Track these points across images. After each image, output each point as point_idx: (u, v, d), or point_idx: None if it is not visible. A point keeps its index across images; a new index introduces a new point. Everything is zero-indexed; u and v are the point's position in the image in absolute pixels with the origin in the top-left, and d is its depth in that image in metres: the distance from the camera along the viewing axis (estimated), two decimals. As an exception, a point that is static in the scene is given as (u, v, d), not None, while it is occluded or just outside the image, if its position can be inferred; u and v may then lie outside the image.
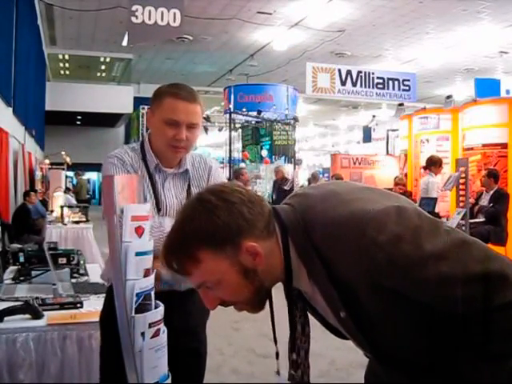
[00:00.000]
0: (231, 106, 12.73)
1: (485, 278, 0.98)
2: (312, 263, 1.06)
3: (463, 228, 5.51)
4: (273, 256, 1.08)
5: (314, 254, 1.05)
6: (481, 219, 6.69)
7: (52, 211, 8.15)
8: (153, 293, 1.20)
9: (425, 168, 7.86)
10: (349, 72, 11.48)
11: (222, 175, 2.03)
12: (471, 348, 1.04)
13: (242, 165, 11.54)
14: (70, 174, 17.42)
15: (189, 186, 1.89)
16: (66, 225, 6.94)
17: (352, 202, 1.06)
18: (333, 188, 1.16)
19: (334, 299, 1.05)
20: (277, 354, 1.21)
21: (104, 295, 2.02)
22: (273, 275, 1.10)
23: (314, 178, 11.31)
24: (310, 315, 1.21)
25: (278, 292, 1.19)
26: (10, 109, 8.16)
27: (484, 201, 6.84)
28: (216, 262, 1.05)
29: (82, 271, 3.30)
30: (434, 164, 7.43)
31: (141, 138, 1.94)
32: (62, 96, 15.37)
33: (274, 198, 10.48)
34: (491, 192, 6.81)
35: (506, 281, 0.98)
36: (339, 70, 11.36)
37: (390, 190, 8.89)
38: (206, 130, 16.39)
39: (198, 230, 1.03)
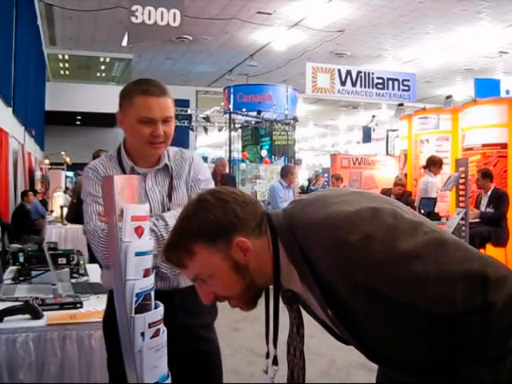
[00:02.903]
0: (231, 106, 12.73)
1: (462, 279, 0.98)
2: (299, 264, 1.10)
3: (463, 228, 5.51)
4: (264, 255, 1.13)
5: (300, 254, 1.10)
6: (476, 212, 6.67)
7: (52, 211, 8.15)
8: (153, 293, 1.20)
9: (425, 167, 7.85)
10: (349, 72, 11.48)
11: (203, 166, 1.99)
12: (459, 349, 1.04)
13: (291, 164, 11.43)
14: (70, 174, 17.40)
15: (171, 179, 1.87)
16: (65, 225, 6.94)
17: (332, 205, 1.11)
18: (323, 193, 1.22)
19: (321, 298, 1.09)
20: (267, 354, 1.24)
21: (104, 295, 2.02)
22: (264, 274, 1.14)
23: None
24: (306, 318, 1.22)
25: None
26: (10, 109, 8.16)
27: (483, 203, 6.81)
28: (209, 255, 1.11)
29: (81, 271, 3.30)
30: (434, 164, 7.43)
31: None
32: (61, 96, 15.36)
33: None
34: (489, 193, 6.79)
35: (486, 282, 0.98)
36: (339, 70, 11.37)
37: (390, 189, 8.92)
38: (205, 130, 16.41)
39: (193, 224, 1.11)
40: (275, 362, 1.21)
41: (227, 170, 9.84)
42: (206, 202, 1.13)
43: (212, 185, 1.99)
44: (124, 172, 1.83)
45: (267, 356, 1.24)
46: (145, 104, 1.75)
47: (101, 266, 2.02)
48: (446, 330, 1.07)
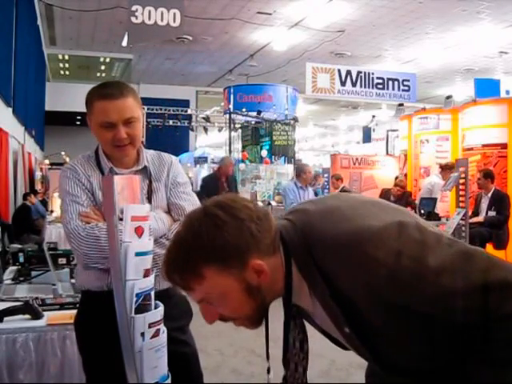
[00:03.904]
0: (231, 106, 12.74)
1: (488, 288, 0.98)
2: (314, 280, 1.05)
3: (463, 228, 5.50)
4: (276, 272, 1.07)
5: (316, 270, 1.04)
6: (480, 219, 6.66)
7: (52, 211, 8.14)
8: (152, 293, 1.20)
9: (442, 168, 7.81)
10: (348, 72, 11.48)
11: (181, 170, 1.97)
12: (477, 357, 1.03)
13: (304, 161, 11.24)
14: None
15: (150, 181, 1.86)
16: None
17: (352, 219, 1.06)
18: (333, 203, 1.16)
19: (338, 316, 1.05)
20: (268, 370, 1.20)
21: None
22: (274, 291, 1.09)
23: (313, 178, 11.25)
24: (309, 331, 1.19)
25: (278, 304, 1.16)
26: (10, 109, 8.15)
27: (484, 204, 6.79)
28: (221, 279, 1.03)
29: (81, 271, 3.30)
30: (450, 168, 7.37)
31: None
32: (61, 96, 15.37)
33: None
34: (489, 194, 6.78)
35: (510, 290, 0.98)
36: (339, 71, 11.37)
37: (390, 190, 8.91)
38: (205, 130, 16.41)
39: (205, 246, 1.01)
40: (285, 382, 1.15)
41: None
42: (218, 218, 1.03)
43: (189, 188, 1.96)
44: (102, 173, 1.81)
45: (268, 371, 1.20)
46: (102, 108, 1.73)
47: None
48: (466, 337, 1.05)
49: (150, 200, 1.83)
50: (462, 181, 5.62)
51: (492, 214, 6.61)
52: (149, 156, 1.91)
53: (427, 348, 1.07)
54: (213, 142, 22.61)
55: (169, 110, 15.02)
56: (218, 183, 7.49)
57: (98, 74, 18.08)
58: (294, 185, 7.01)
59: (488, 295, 0.97)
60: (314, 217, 1.11)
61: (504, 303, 0.97)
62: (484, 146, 8.06)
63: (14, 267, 3.38)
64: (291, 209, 1.21)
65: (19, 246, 3.68)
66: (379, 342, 1.07)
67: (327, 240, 1.04)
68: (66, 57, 16.36)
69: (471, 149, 8.27)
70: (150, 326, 1.15)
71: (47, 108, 15.61)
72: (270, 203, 10.63)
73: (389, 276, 0.99)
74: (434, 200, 7.50)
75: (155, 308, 1.20)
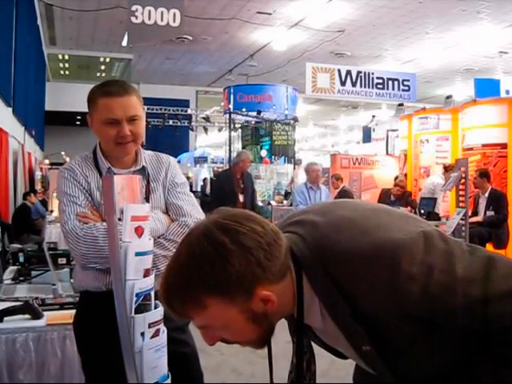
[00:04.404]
0: (231, 106, 12.74)
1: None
2: (332, 300, 1.00)
3: (463, 228, 5.50)
4: (285, 296, 1.00)
5: (335, 289, 0.99)
6: (479, 219, 6.66)
7: (52, 211, 8.14)
8: (152, 293, 1.20)
9: (446, 169, 7.82)
10: (348, 72, 11.48)
11: (179, 170, 1.97)
12: (488, 356, 1.03)
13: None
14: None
15: (148, 182, 1.86)
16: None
17: (372, 231, 1.01)
18: (343, 214, 1.08)
19: (359, 335, 1.01)
20: None
21: None
22: (282, 314, 1.04)
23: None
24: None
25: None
26: (10, 109, 8.15)
27: (482, 205, 6.79)
28: (224, 309, 0.96)
29: (81, 271, 3.30)
30: (452, 169, 7.37)
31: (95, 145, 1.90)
32: (61, 96, 15.38)
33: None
34: (486, 194, 6.78)
35: None
36: (339, 70, 11.37)
37: (390, 190, 8.91)
38: (205, 130, 16.42)
39: (208, 277, 0.94)
40: None
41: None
42: (221, 247, 0.93)
43: (187, 188, 1.96)
44: (100, 173, 1.81)
45: None
46: (107, 105, 1.74)
47: None
48: (483, 342, 1.04)
49: (147, 200, 1.83)
50: (462, 181, 5.62)
51: (490, 213, 6.61)
52: (147, 156, 1.91)
53: (450, 359, 1.06)
54: (213, 142, 22.62)
55: (169, 110, 15.03)
56: (232, 181, 6.83)
57: (98, 74, 18.08)
58: (304, 186, 6.84)
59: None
60: (326, 230, 1.04)
61: None
62: (484, 145, 8.06)
63: (14, 267, 3.38)
64: (296, 219, 1.12)
65: (19, 246, 3.68)
66: (401, 358, 1.05)
67: (347, 255, 0.98)
68: (66, 57, 16.36)
69: (471, 149, 8.27)
70: (149, 326, 1.15)
71: (47, 108, 15.61)
72: (269, 203, 10.64)
73: (421, 292, 0.96)
74: (434, 200, 7.50)
75: (155, 308, 1.20)
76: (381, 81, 11.79)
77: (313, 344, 1.14)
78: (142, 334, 1.14)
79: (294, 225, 1.09)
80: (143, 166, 1.87)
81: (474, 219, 6.51)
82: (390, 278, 0.96)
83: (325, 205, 1.23)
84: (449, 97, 9.57)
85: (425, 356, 1.05)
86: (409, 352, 1.04)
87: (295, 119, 12.88)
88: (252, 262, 0.94)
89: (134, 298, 1.13)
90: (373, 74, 11.77)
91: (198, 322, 1.00)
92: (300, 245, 1.02)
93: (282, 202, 10.92)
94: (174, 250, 1.82)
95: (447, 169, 7.60)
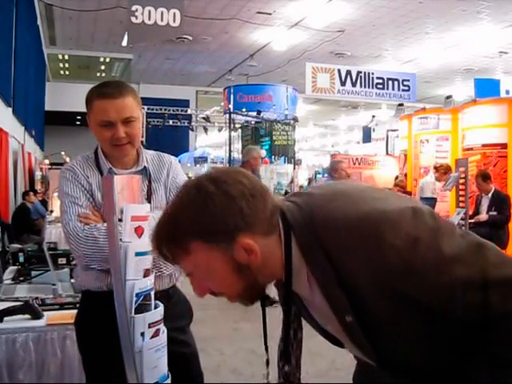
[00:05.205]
0: (231, 106, 12.74)
1: (501, 284, 0.96)
2: (318, 263, 1.01)
3: (463, 228, 5.50)
4: (271, 254, 1.03)
5: (322, 253, 1.00)
6: (485, 218, 6.64)
7: (52, 211, 8.14)
8: (152, 293, 1.20)
9: (437, 169, 7.83)
10: (348, 72, 11.48)
11: (181, 171, 1.97)
12: (485, 356, 1.01)
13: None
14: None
15: (149, 182, 1.86)
16: (65, 225, 6.90)
17: (363, 201, 1.02)
18: (341, 187, 1.13)
19: (342, 303, 1.01)
20: (267, 362, 1.16)
21: None
22: (269, 273, 1.05)
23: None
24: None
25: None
26: (10, 109, 8.15)
27: (484, 206, 6.77)
28: (207, 255, 1.00)
29: (81, 271, 3.30)
30: (445, 171, 7.34)
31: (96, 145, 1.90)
32: (61, 96, 15.36)
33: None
34: (489, 195, 6.77)
35: None
36: (339, 70, 11.37)
37: (389, 190, 8.97)
38: (205, 130, 16.42)
39: (191, 221, 0.99)
40: (286, 378, 1.12)
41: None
42: (207, 193, 0.99)
43: None
44: (101, 173, 1.81)
45: (267, 363, 1.16)
46: (101, 107, 1.74)
47: None
48: (469, 335, 1.02)
49: (149, 200, 1.83)
50: (461, 181, 5.62)
51: (493, 214, 6.60)
52: (148, 156, 1.91)
53: (432, 344, 1.05)
54: (213, 142, 22.61)
55: (169, 110, 15.03)
56: None
57: (98, 74, 18.09)
58: None
59: (501, 290, 0.96)
60: (321, 199, 1.06)
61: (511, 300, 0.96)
62: (484, 145, 8.06)
63: (14, 267, 3.38)
64: (295, 192, 1.16)
65: (19, 246, 3.68)
66: (382, 334, 1.04)
67: (337, 222, 0.99)
68: (66, 57, 16.37)
69: (471, 149, 8.27)
70: (149, 326, 1.15)
71: (47, 108, 15.61)
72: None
73: (403, 264, 0.96)
74: (434, 200, 7.50)
75: (155, 308, 1.20)
76: (381, 81, 11.80)
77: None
78: (142, 334, 1.14)
79: (293, 196, 1.13)
80: (145, 167, 1.87)
81: (480, 217, 6.49)
82: (372, 246, 0.96)
83: (326, 182, 1.27)
84: (449, 97, 9.58)
85: (409, 337, 1.04)
86: (391, 329, 1.03)
87: (295, 119, 12.89)
88: (234, 209, 0.98)
89: (134, 298, 1.13)
90: (373, 74, 11.78)
91: (185, 268, 1.04)
92: (293, 210, 1.04)
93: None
94: None
95: (438, 169, 7.61)
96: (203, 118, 15.81)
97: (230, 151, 11.64)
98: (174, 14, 6.69)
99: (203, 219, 0.98)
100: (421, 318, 1.02)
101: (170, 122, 15.23)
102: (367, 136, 21.94)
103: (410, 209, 1.00)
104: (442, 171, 7.37)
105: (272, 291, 1.14)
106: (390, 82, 11.88)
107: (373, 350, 1.06)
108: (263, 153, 12.87)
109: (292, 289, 1.06)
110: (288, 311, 1.10)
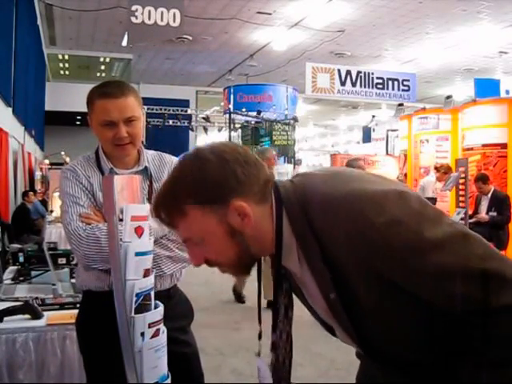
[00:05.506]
0: (231, 106, 12.75)
1: (483, 276, 0.94)
2: (306, 240, 1.03)
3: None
4: (263, 223, 1.05)
5: (309, 229, 1.02)
6: (486, 218, 6.63)
7: (52, 211, 8.15)
8: (152, 293, 1.20)
9: (437, 170, 7.84)
10: (348, 72, 11.49)
11: None
12: (467, 352, 0.99)
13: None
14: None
15: (150, 182, 1.86)
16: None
17: (352, 182, 1.04)
18: (337, 170, 1.17)
19: (326, 279, 1.02)
20: (259, 335, 1.19)
21: None
22: (260, 244, 1.07)
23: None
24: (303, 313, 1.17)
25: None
26: (10, 109, 8.15)
27: (483, 206, 6.77)
28: (203, 218, 1.03)
29: (81, 271, 3.30)
30: (445, 172, 7.35)
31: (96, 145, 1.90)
32: (61, 96, 15.37)
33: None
34: (489, 195, 6.77)
35: (504, 282, 0.94)
36: (339, 70, 11.38)
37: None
38: (205, 130, 16.42)
39: (187, 183, 1.03)
40: (273, 348, 1.15)
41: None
42: (204, 159, 1.04)
43: None
44: (102, 173, 1.81)
45: (259, 337, 1.19)
46: (103, 107, 1.74)
47: None
48: (451, 329, 1.01)
49: (150, 200, 1.83)
50: (461, 181, 5.63)
51: (493, 214, 6.60)
52: (149, 156, 1.91)
53: (413, 333, 1.04)
54: (213, 142, 22.61)
55: (169, 110, 15.02)
56: None
57: (98, 74, 18.09)
58: None
59: (484, 283, 0.94)
60: (317, 179, 1.09)
61: (491, 295, 0.94)
62: (484, 145, 8.07)
63: (14, 267, 3.38)
64: (298, 173, 1.18)
65: (19, 246, 3.68)
66: (364, 315, 1.04)
67: (323, 197, 1.02)
68: (66, 57, 16.37)
69: (471, 149, 8.28)
70: (149, 326, 1.15)
71: (47, 108, 15.61)
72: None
73: (381, 243, 0.96)
74: (434, 200, 7.51)
75: (155, 308, 1.20)
76: (381, 81, 11.81)
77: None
78: (142, 334, 1.14)
79: (295, 176, 1.16)
80: (146, 167, 1.87)
81: (480, 216, 6.49)
82: (353, 222, 0.97)
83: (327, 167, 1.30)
84: (449, 97, 9.58)
85: (388, 323, 1.04)
86: (372, 312, 1.03)
87: (295, 119, 12.89)
88: (228, 172, 1.02)
89: (134, 298, 1.13)
90: (373, 74, 11.78)
91: (182, 233, 1.08)
92: (287, 186, 1.08)
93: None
94: (177, 251, 1.82)
95: (439, 169, 7.63)
96: (203, 118, 15.81)
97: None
98: (174, 14, 6.70)
99: (198, 182, 1.02)
100: (400, 302, 1.02)
101: (170, 122, 15.23)
102: (367, 136, 21.97)
103: (397, 191, 1.01)
104: (443, 171, 7.38)
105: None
106: (390, 82, 11.88)
107: (356, 332, 1.06)
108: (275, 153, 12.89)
109: (282, 263, 1.08)
110: (277, 285, 1.12)
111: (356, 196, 0.99)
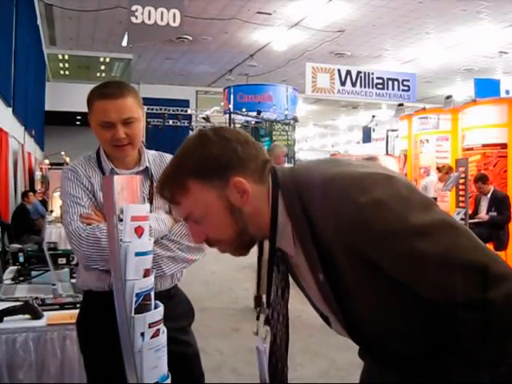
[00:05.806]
0: (231, 106, 12.76)
1: (464, 268, 0.93)
2: (298, 221, 1.05)
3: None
4: (261, 202, 1.08)
5: (302, 212, 1.04)
6: (486, 217, 6.64)
7: (52, 211, 8.15)
8: (152, 293, 1.20)
9: (439, 170, 7.85)
10: (348, 72, 11.49)
11: None
12: (454, 348, 0.98)
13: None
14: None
15: (151, 182, 1.85)
16: (65, 225, 6.90)
17: (343, 166, 1.06)
18: (334, 158, 1.21)
19: (315, 261, 1.04)
20: (257, 316, 1.20)
21: None
22: (258, 223, 1.09)
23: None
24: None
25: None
26: (10, 109, 8.15)
27: (483, 206, 6.78)
28: (203, 193, 1.07)
29: (81, 271, 3.30)
30: (447, 172, 7.37)
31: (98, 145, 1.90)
32: (61, 96, 15.37)
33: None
34: (489, 195, 6.78)
35: (487, 276, 0.92)
36: (339, 70, 11.38)
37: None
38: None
39: (189, 160, 1.08)
40: (267, 322, 1.16)
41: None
42: (206, 137, 1.09)
43: None
44: (103, 173, 1.81)
45: (257, 317, 1.20)
46: (102, 108, 1.74)
47: None
48: (438, 323, 1.01)
49: (151, 201, 1.83)
50: (461, 181, 5.63)
51: (493, 214, 6.61)
52: (150, 156, 1.91)
53: (399, 321, 1.04)
54: (213, 142, 22.63)
55: (169, 110, 15.02)
56: None
57: (98, 74, 18.09)
58: None
59: (459, 274, 0.93)
60: (311, 164, 1.15)
61: (474, 288, 0.92)
62: (484, 145, 8.07)
63: (14, 267, 3.38)
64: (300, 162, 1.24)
65: (19, 246, 3.68)
66: (352, 299, 1.05)
67: (313, 177, 1.05)
68: (66, 57, 16.38)
69: (471, 149, 8.28)
70: (150, 326, 1.15)
71: (47, 108, 15.61)
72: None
73: (365, 223, 0.96)
74: (434, 200, 7.50)
75: (155, 308, 1.20)
76: (381, 81, 11.81)
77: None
78: (142, 334, 1.14)
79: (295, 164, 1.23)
80: (147, 167, 1.86)
81: (481, 216, 6.49)
82: (337, 202, 0.98)
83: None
84: (449, 97, 9.58)
85: (374, 309, 1.04)
86: (358, 296, 1.04)
87: (295, 119, 12.90)
88: (229, 149, 1.06)
89: (134, 298, 1.13)
90: (373, 74, 11.79)
91: (183, 210, 1.11)
92: (284, 171, 1.12)
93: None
94: (178, 251, 1.82)
95: (441, 170, 7.64)
96: (203, 118, 15.81)
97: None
98: (174, 14, 6.70)
99: (200, 158, 1.07)
100: (382, 285, 1.02)
101: (170, 122, 15.22)
102: (367, 136, 21.98)
103: (385, 175, 1.01)
104: (445, 172, 7.40)
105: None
106: (390, 82, 11.88)
107: (344, 317, 1.07)
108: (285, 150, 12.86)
109: (278, 246, 1.10)
110: (271, 265, 1.13)
111: (342, 176, 1.01)
